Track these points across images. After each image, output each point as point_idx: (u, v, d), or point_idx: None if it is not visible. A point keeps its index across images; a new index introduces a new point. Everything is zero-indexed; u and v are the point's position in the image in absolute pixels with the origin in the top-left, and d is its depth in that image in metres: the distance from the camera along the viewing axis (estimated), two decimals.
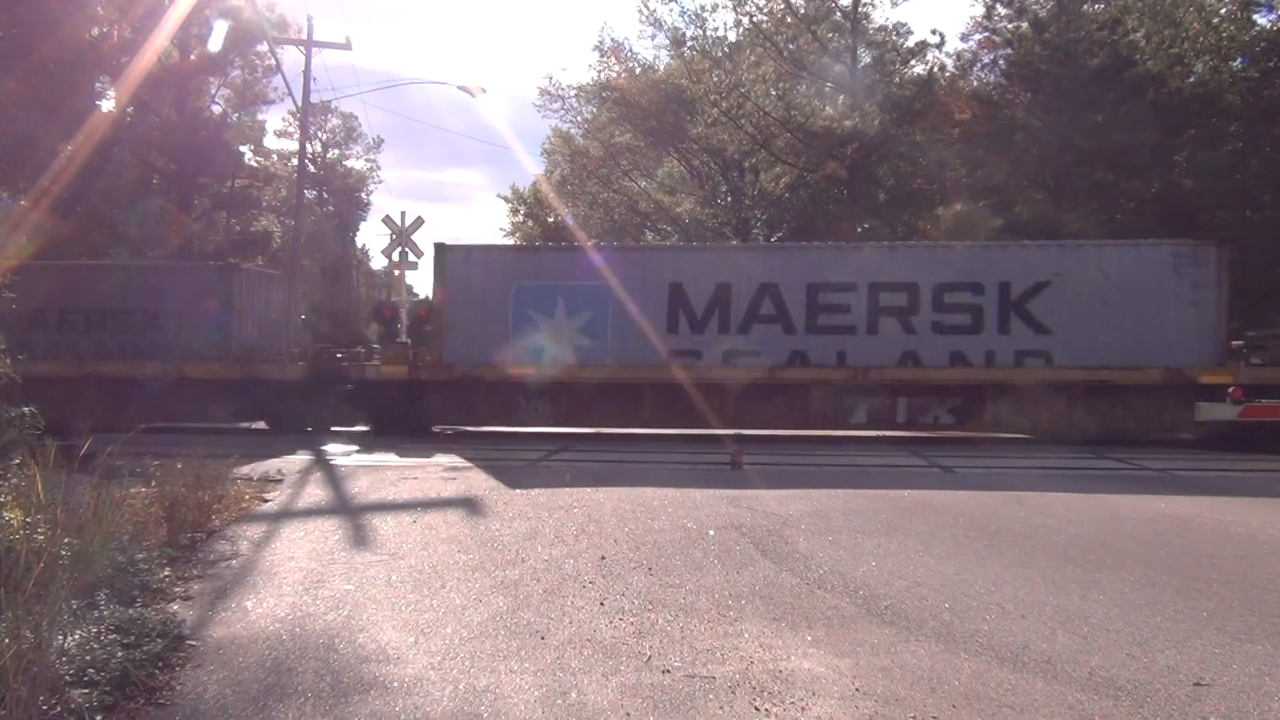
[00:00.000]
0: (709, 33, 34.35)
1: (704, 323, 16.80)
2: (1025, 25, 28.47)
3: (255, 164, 41.06)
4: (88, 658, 4.13)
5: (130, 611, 4.92)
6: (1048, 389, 16.00)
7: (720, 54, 33.34)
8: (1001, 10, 29.03)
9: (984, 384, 16.27)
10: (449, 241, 17.95)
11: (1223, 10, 26.91)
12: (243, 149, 37.97)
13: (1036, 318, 16.15)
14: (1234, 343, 16.32)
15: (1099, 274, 16.09)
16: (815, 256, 17.42)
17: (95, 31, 23.88)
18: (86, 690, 3.91)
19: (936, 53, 29.82)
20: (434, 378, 17.20)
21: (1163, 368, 15.58)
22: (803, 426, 17.02)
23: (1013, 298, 16.19)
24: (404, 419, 17.18)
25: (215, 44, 28.62)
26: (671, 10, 54.99)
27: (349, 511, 8.79)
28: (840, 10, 31.12)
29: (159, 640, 4.61)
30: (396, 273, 27.39)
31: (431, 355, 17.46)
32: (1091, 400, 15.97)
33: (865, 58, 30.39)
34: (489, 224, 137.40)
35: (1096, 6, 29.21)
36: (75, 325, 18.24)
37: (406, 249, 23.88)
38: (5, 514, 5.13)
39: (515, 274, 17.43)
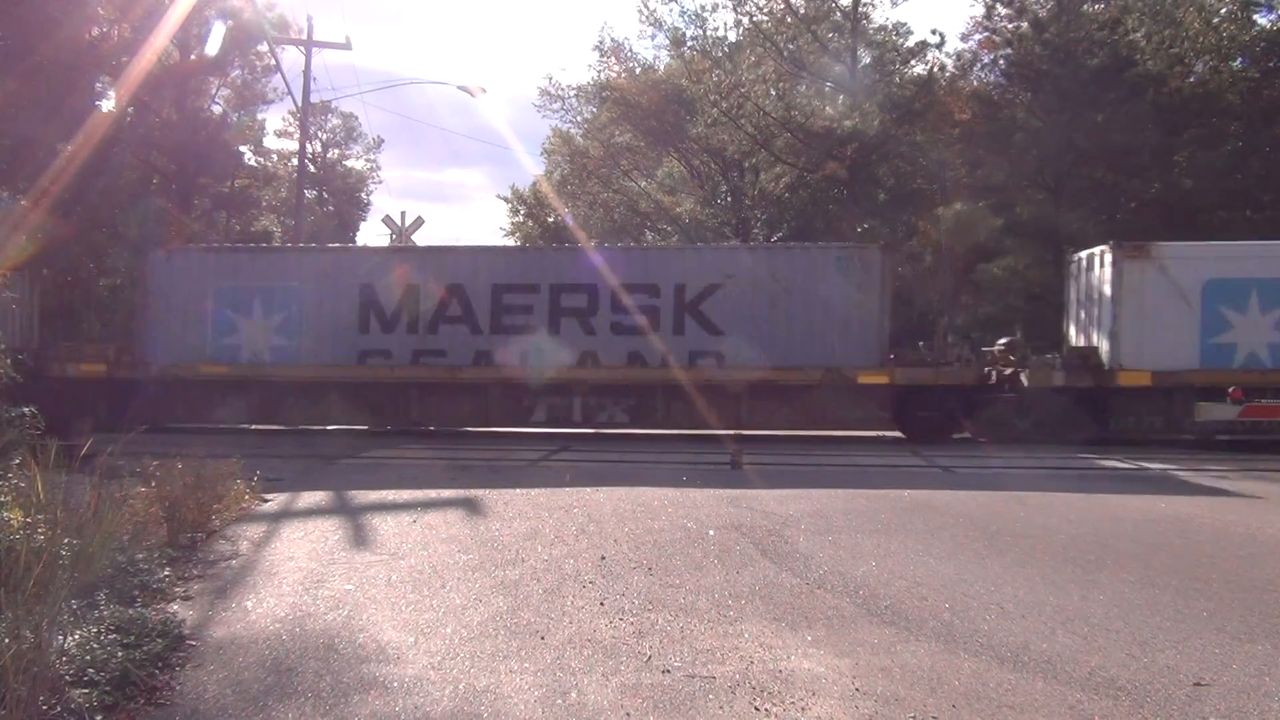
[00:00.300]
0: (709, 33, 34.36)
1: (393, 323, 17.20)
2: (1025, 25, 28.47)
3: (255, 164, 41.04)
4: (88, 658, 4.12)
5: (130, 611, 4.92)
6: (719, 388, 16.45)
7: (720, 54, 33.31)
8: (1001, 10, 29.04)
9: (658, 383, 16.66)
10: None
11: (1223, 10, 26.94)
12: (243, 149, 37.94)
13: (709, 319, 16.57)
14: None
15: (769, 276, 16.57)
16: (500, 259, 18.05)
17: (95, 31, 23.88)
18: (86, 690, 3.91)
19: (936, 53, 29.84)
20: (132, 376, 17.37)
21: (823, 367, 16.04)
22: (485, 424, 17.45)
23: (687, 299, 16.65)
24: (107, 417, 16.79)
25: (213, 49, 28.58)
26: (671, 10, 54.88)
27: (349, 511, 8.80)
28: (840, 10, 31.09)
29: (159, 640, 4.61)
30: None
31: (132, 354, 17.83)
32: (759, 399, 16.48)
33: (865, 58, 30.36)
34: (489, 224, 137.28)
35: (1096, 6, 29.22)
36: None
37: None
38: (5, 514, 5.13)
39: (215, 275, 17.83)
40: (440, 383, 17.00)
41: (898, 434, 16.81)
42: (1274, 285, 15.53)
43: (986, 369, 16.66)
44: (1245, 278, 15.65)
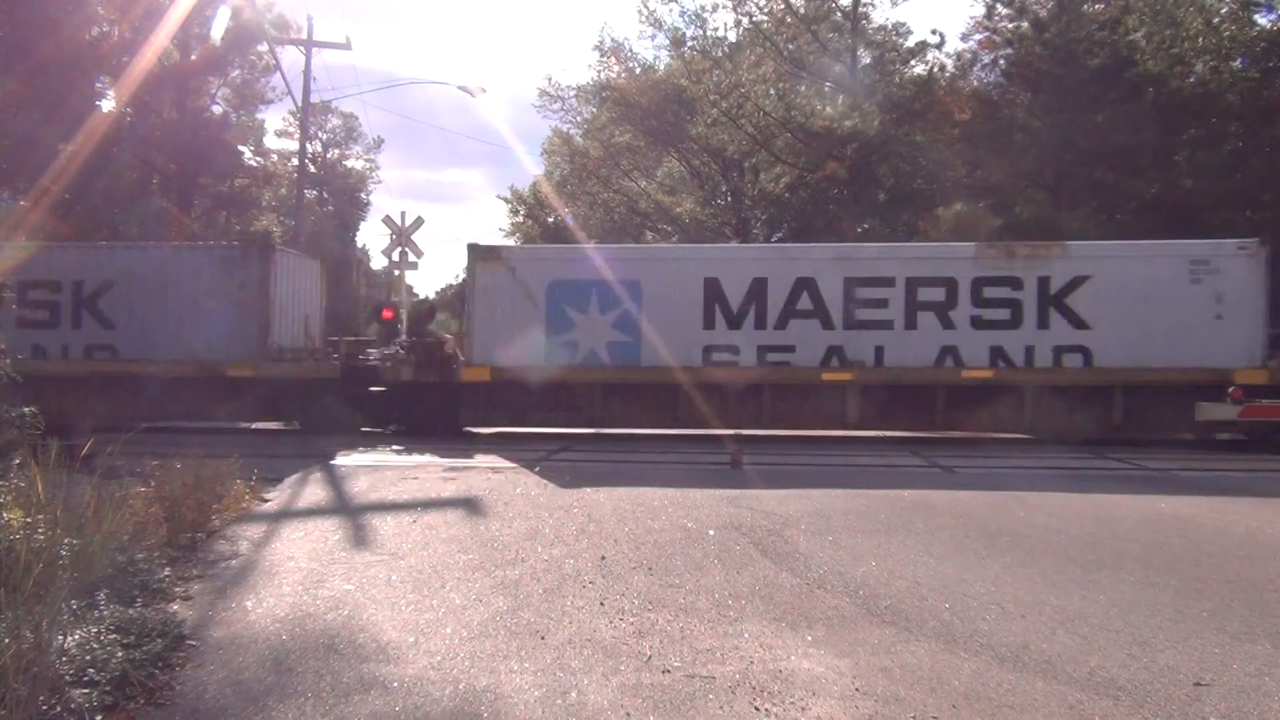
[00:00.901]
0: (709, 33, 34.32)
1: None
2: (1025, 25, 28.43)
3: (255, 164, 41.05)
4: (88, 658, 4.13)
5: (130, 611, 4.92)
6: (113, 380, 17.07)
7: (720, 54, 33.30)
8: (1001, 10, 29.00)
9: (50, 377, 16.98)
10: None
11: (1223, 10, 26.92)
12: (243, 149, 37.97)
13: (105, 314, 17.37)
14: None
15: (157, 274, 17.31)
16: None
17: (95, 31, 23.84)
18: (86, 690, 3.91)
19: (936, 53, 29.77)
20: None
21: (196, 362, 16.90)
22: None
23: (85, 295, 17.38)
24: None
25: (217, 33, 28.60)
26: (671, 10, 54.75)
27: (349, 511, 8.79)
28: (840, 10, 31.06)
29: (159, 640, 4.61)
30: (397, 273, 27.43)
31: None
32: (148, 391, 17.05)
33: (865, 58, 30.33)
34: (489, 224, 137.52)
35: (1097, 6, 29.19)
36: None
37: (406, 249, 23.89)
38: (5, 514, 5.14)
39: None
40: None
41: (895, 434, 16.79)
42: (612, 287, 16.07)
43: (343, 363, 17.38)
44: (587, 280, 16.16)
